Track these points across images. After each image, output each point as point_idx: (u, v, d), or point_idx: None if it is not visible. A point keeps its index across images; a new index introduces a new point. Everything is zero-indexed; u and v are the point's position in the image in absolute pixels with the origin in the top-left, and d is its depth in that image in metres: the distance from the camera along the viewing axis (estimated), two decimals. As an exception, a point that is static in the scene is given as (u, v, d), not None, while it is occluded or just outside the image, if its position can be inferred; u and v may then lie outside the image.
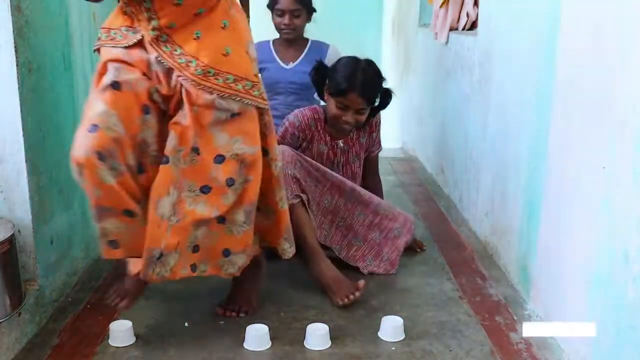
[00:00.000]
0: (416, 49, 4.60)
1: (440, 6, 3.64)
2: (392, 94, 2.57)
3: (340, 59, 2.56)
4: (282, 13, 3.02)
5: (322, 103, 2.72)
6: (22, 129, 1.88)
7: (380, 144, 2.75)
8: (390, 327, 2.00)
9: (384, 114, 2.69)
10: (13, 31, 1.81)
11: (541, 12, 2.16)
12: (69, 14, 2.25)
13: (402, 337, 1.99)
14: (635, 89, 1.52)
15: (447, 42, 3.61)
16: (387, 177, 3.93)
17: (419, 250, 2.70)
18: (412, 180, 3.91)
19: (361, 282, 2.19)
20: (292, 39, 3.08)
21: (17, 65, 1.83)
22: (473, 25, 3.39)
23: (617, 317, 1.59)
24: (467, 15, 3.42)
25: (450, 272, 2.51)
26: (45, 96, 2.04)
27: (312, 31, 3.16)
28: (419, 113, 4.46)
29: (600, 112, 1.70)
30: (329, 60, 2.83)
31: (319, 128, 2.58)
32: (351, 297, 2.16)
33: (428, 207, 3.36)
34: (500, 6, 2.68)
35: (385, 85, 2.54)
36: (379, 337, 2.00)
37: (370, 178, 2.78)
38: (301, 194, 2.36)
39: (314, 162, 2.48)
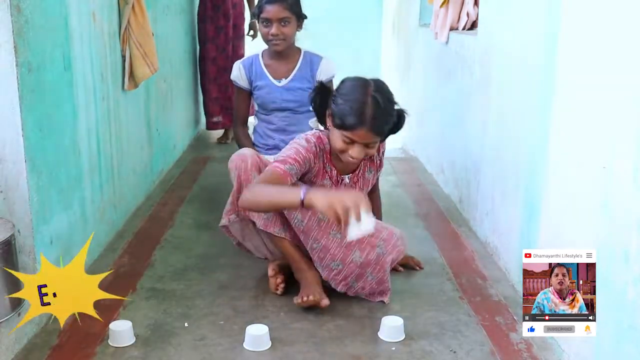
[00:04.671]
0: (416, 49, 4.59)
1: (441, 6, 3.63)
2: (406, 115, 2.16)
3: (344, 82, 2.12)
4: (268, 22, 2.70)
5: (320, 127, 2.36)
6: (22, 129, 1.87)
7: (382, 165, 2.40)
8: (390, 327, 1.99)
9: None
10: (13, 31, 1.81)
11: (541, 12, 2.16)
12: (69, 14, 2.25)
13: (402, 337, 1.99)
14: (636, 89, 1.52)
15: (447, 42, 3.61)
16: (387, 177, 3.93)
17: (417, 269, 2.51)
18: (412, 180, 3.90)
19: (325, 302, 2.12)
20: (281, 50, 2.76)
21: (16, 65, 1.83)
22: (473, 25, 3.39)
23: (617, 317, 1.59)
24: (467, 15, 3.42)
25: (450, 272, 2.51)
26: (45, 96, 2.04)
27: (311, 32, 2.99)
28: (419, 113, 4.45)
29: (600, 111, 1.70)
30: (320, 75, 2.75)
31: (325, 160, 2.20)
32: (304, 299, 2.13)
33: (428, 207, 3.36)
34: (500, 6, 2.68)
35: (397, 107, 2.12)
36: (379, 337, 2.00)
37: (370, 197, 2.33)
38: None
39: None
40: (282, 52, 2.78)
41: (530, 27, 2.28)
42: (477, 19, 3.19)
